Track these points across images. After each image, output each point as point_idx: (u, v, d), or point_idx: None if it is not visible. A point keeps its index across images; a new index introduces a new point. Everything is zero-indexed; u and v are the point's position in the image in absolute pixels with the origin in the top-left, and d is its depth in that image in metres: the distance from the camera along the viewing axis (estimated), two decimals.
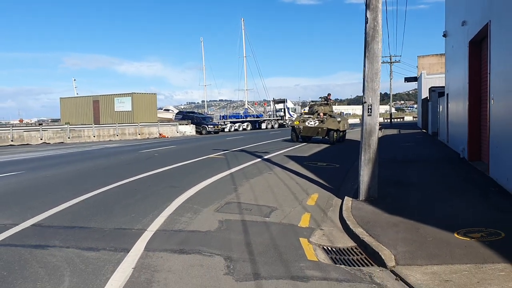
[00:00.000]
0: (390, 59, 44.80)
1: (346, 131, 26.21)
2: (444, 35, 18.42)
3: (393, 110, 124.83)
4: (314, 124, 22.59)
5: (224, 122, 48.60)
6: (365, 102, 8.42)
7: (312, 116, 23.49)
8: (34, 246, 5.33)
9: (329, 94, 25.83)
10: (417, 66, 43.32)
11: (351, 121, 79.71)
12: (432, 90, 26.45)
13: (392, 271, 4.86)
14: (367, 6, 8.34)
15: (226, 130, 46.80)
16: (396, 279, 4.67)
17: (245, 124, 51.28)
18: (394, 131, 35.66)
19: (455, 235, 5.83)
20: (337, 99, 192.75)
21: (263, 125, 53.81)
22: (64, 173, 12.48)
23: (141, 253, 5.09)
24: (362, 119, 8.64)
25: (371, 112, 8.38)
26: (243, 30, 64.91)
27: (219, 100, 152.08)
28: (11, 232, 5.97)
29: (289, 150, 19.46)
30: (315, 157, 16.57)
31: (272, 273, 4.60)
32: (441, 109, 21.70)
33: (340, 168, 13.28)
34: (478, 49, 11.83)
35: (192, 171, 12.35)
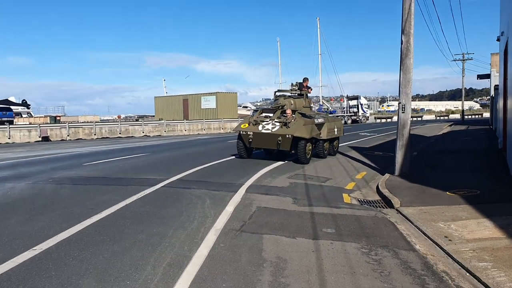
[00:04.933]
0: (463, 56, 45.42)
1: (339, 138, 17.32)
2: (498, 40, 20.39)
3: (477, 106, 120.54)
4: (273, 128, 13.59)
5: None
6: (400, 103, 11.44)
7: (272, 115, 14.41)
8: (182, 187, 9.21)
9: (305, 80, 16.53)
10: (490, 64, 43.53)
11: (426, 117, 79.39)
12: (495, 88, 27.83)
13: (396, 209, 8.02)
14: (402, 31, 11.31)
15: None
16: (396, 212, 7.84)
17: None
18: (462, 127, 36.85)
19: (447, 193, 8.79)
20: (418, 94, 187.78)
21: None
22: (178, 155, 16.76)
23: (243, 193, 8.71)
24: (398, 116, 11.65)
25: (404, 110, 11.37)
26: (318, 29, 67.52)
27: None
28: (166, 182, 9.92)
29: (353, 142, 22.45)
30: (375, 148, 19.43)
31: (319, 205, 7.96)
32: (497, 106, 23.45)
33: (393, 156, 16.10)
34: (507, 56, 14.24)
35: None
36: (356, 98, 61.65)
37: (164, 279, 4.38)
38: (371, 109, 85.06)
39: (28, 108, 52.54)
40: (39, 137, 30.20)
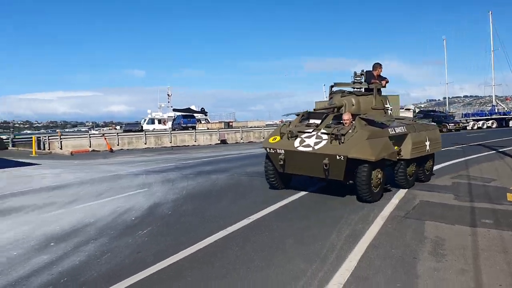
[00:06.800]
0: None
1: (434, 157, 11.59)
2: None
3: None
4: (316, 144, 8.54)
5: (466, 120, 49.14)
6: None
7: (320, 123, 9.22)
8: None
9: (376, 67, 10.62)
10: None
11: None
12: None
13: None
14: None
15: (469, 127, 47.28)
16: None
17: (490, 122, 50.41)
18: None
19: None
20: None
21: (511, 123, 51.51)
22: None
23: (407, 189, 9.74)
24: None
25: None
26: (490, 23, 62.21)
27: (463, 97, 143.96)
28: None
29: None
30: None
31: (480, 201, 8.58)
32: None
33: None
34: None
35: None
36: None
37: (346, 243, 5.92)
38: None
39: (206, 115, 59.80)
40: (218, 140, 34.81)
